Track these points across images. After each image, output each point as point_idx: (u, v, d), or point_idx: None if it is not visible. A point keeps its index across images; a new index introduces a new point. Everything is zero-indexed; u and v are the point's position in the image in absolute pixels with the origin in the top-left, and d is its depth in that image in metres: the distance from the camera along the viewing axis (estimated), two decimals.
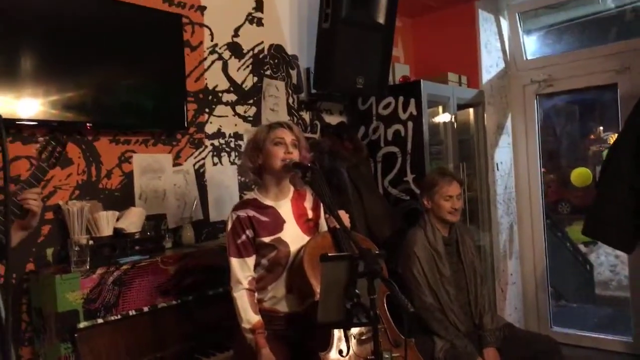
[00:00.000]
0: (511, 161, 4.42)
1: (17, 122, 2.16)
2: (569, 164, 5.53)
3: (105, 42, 2.40)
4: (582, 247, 5.70)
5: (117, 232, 2.33)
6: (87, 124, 2.36)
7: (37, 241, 2.23)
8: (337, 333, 2.01)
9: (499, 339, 2.67)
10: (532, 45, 4.43)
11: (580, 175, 4.63)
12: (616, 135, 3.50)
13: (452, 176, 2.83)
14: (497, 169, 4.20)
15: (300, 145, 2.18)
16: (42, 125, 2.24)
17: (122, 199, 2.52)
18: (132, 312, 2.19)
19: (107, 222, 2.29)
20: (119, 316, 2.15)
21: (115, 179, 2.52)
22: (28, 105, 2.16)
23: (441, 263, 2.70)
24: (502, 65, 4.37)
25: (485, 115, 4.11)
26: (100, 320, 2.09)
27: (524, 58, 4.37)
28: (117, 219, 2.36)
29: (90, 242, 2.16)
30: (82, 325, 2.03)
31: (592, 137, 5.63)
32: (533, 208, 4.42)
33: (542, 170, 4.46)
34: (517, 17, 4.30)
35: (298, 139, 2.17)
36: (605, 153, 3.72)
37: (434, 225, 2.77)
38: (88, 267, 2.09)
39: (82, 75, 2.32)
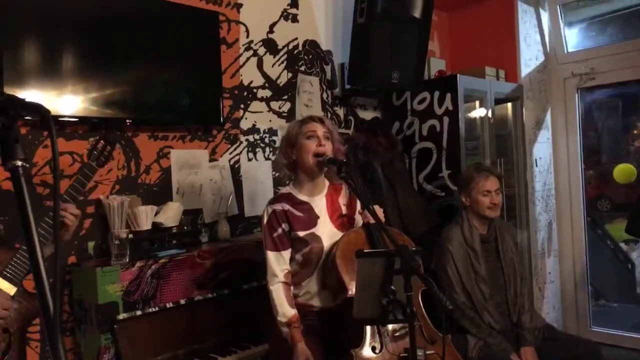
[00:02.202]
0: (550, 157, 4.31)
1: (60, 119, 2.22)
2: (610, 159, 5.35)
3: (143, 40, 2.45)
4: (623, 246, 5.52)
5: (156, 226, 2.38)
6: (127, 120, 2.41)
7: (79, 234, 2.29)
8: (371, 329, 2.00)
9: (538, 339, 2.60)
10: (573, 38, 4.30)
11: (623, 171, 4.48)
12: None
13: (489, 171, 2.77)
14: (536, 165, 4.10)
15: (333, 138, 2.17)
16: (83, 121, 2.30)
17: (160, 194, 2.57)
18: (169, 305, 2.23)
19: (146, 216, 2.33)
20: (157, 308, 2.19)
21: (153, 174, 2.57)
22: (69, 101, 2.21)
23: (477, 261, 2.65)
24: (541, 58, 4.26)
25: (523, 109, 4.01)
26: (139, 312, 2.14)
27: (565, 51, 4.25)
28: (156, 214, 2.40)
29: (130, 235, 2.21)
30: (121, 316, 2.08)
31: (635, 132, 5.44)
32: (573, 205, 4.30)
33: (582, 166, 4.34)
34: (559, 9, 4.18)
35: (330, 132, 2.17)
36: None
37: (472, 223, 2.71)
38: (128, 260, 2.14)
39: (121, 72, 2.37)
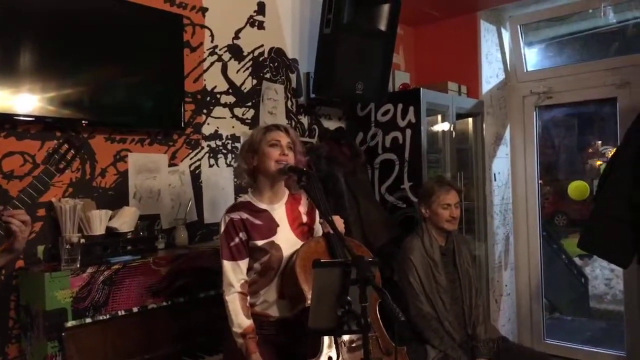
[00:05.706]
0: (509, 172, 4.41)
1: (14, 117, 2.15)
2: (566, 176, 5.52)
3: (105, 40, 2.39)
4: (577, 260, 5.69)
5: (110, 231, 2.31)
6: (83, 121, 2.35)
7: (28, 238, 2.20)
8: (327, 340, 1.98)
9: (492, 351, 2.64)
10: (533, 57, 4.43)
11: (577, 188, 4.62)
12: (614, 149, 3.50)
13: (450, 185, 2.82)
14: (495, 180, 4.19)
15: (296, 149, 2.17)
16: (38, 121, 2.23)
17: (116, 198, 2.50)
18: (121, 312, 2.16)
19: (99, 221, 2.27)
20: (108, 316, 2.13)
21: (109, 178, 2.50)
22: (25, 100, 2.15)
23: (437, 272, 2.68)
24: (502, 76, 4.37)
25: (484, 125, 4.10)
26: (88, 320, 2.07)
27: (525, 70, 4.37)
28: (110, 218, 2.34)
29: (82, 240, 2.14)
30: (70, 324, 2.01)
31: (590, 150, 5.63)
32: (529, 219, 4.40)
33: (539, 182, 4.45)
34: (519, 29, 4.31)
35: (294, 142, 2.16)
36: (603, 167, 3.72)
37: (431, 234, 2.75)
38: (78, 265, 2.07)
39: (81, 73, 2.31)
